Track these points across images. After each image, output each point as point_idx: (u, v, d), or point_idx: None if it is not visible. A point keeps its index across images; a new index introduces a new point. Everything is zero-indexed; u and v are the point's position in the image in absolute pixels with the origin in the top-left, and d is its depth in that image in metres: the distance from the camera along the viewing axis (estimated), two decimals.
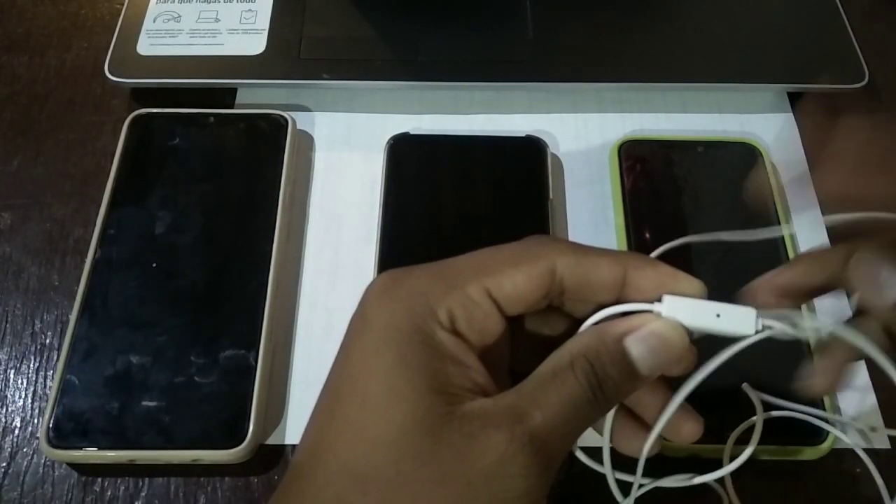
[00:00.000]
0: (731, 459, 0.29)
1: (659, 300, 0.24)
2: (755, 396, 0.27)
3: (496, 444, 0.21)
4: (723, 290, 0.25)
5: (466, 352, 0.24)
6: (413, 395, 0.22)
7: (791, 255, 0.39)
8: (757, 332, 0.24)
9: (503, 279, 0.24)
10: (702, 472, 0.28)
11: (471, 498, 0.21)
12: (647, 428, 0.26)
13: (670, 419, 0.25)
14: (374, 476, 0.21)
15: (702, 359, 0.25)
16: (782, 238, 0.39)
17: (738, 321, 0.24)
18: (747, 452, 0.29)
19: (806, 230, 0.40)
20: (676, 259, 0.26)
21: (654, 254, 0.27)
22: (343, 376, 0.24)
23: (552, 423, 0.22)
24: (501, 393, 0.23)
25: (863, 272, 0.26)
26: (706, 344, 0.25)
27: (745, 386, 0.28)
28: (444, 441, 0.21)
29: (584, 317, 0.25)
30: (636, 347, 0.24)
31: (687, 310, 0.24)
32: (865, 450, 0.33)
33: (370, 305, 0.24)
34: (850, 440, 0.34)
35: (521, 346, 0.27)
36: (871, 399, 0.36)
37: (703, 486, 0.32)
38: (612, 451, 0.26)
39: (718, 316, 0.24)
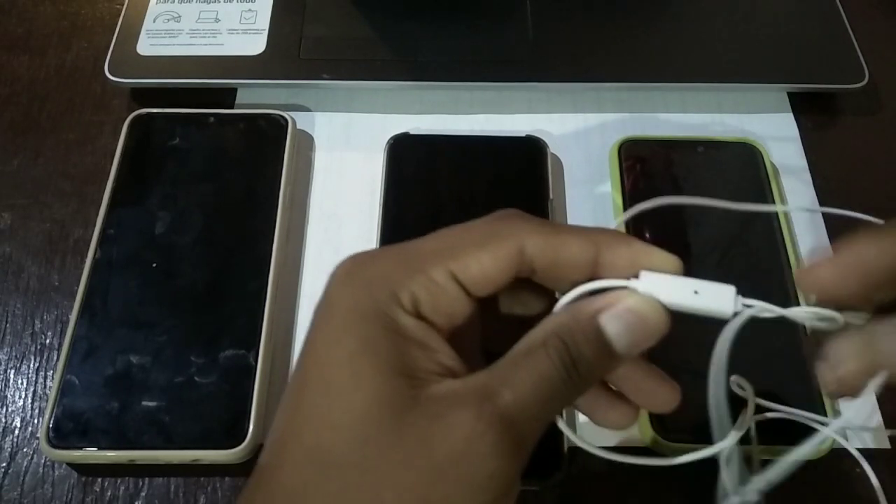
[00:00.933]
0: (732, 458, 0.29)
1: (636, 276, 0.23)
2: (746, 385, 0.27)
3: (463, 423, 0.21)
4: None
5: (432, 335, 0.23)
6: (377, 380, 0.21)
7: (790, 250, 0.38)
8: (736, 312, 0.23)
9: (469, 261, 0.23)
10: (701, 470, 0.28)
11: (437, 480, 0.21)
12: (622, 397, 0.25)
13: (645, 389, 0.24)
14: (339, 461, 0.21)
15: (694, 350, 0.24)
16: (782, 236, 0.39)
17: (717, 298, 0.23)
18: (751, 421, 0.28)
19: (807, 231, 0.40)
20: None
21: (625, 215, 0.26)
22: (307, 365, 0.23)
23: (523, 402, 0.21)
24: (472, 374, 0.22)
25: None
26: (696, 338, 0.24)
27: (732, 380, 0.27)
28: (409, 423, 0.21)
29: (558, 290, 0.24)
30: (612, 325, 0.23)
31: (664, 286, 0.23)
32: (865, 450, 0.33)
33: (333, 291, 0.24)
34: (848, 441, 0.34)
35: (492, 325, 0.26)
36: (871, 399, 0.36)
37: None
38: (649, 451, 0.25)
39: (696, 293, 0.23)
